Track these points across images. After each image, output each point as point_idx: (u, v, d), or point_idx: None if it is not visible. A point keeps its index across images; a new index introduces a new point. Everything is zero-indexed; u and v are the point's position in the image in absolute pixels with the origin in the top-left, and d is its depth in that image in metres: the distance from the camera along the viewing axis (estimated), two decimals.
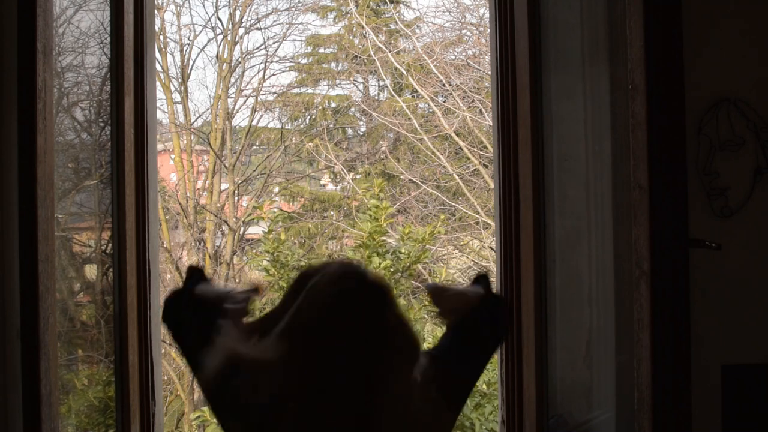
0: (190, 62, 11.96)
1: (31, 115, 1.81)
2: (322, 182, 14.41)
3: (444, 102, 10.51)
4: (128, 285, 2.33)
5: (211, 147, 11.88)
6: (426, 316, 5.92)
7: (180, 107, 11.93)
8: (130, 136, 2.36)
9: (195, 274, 1.56)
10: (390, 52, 10.89)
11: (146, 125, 2.44)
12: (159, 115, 11.38)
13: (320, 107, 13.44)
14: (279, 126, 13.55)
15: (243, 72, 12.39)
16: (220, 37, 12.08)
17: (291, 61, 13.53)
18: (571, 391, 2.27)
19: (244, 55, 12.33)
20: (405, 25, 11.76)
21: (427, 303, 5.96)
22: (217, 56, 12.03)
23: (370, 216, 6.00)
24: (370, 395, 1.24)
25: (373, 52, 11.11)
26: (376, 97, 13.30)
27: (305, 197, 13.29)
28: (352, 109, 13.51)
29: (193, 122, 12.29)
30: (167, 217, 11.52)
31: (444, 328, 1.57)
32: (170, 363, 10.55)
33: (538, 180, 2.17)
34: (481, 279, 1.58)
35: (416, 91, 10.83)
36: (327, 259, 1.51)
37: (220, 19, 15.14)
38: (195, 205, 11.69)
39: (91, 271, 2.62)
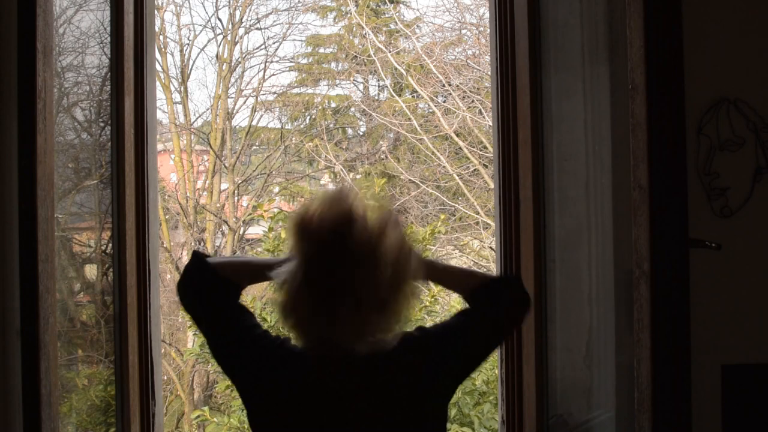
0: (190, 62, 11.97)
1: (31, 115, 1.81)
2: (322, 182, 14.41)
3: (444, 102, 10.51)
4: (128, 285, 2.33)
5: (211, 147, 11.88)
6: (426, 316, 5.92)
7: (180, 107, 11.95)
8: (130, 136, 2.35)
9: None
10: (390, 52, 10.89)
11: (146, 125, 2.44)
12: (159, 115, 11.39)
13: (320, 107, 13.44)
14: (279, 126, 13.56)
15: (243, 72, 12.40)
16: (220, 37, 12.09)
17: (291, 61, 13.54)
18: (571, 391, 2.27)
19: (244, 55, 12.34)
20: (405, 25, 11.76)
21: (431, 293, 5.95)
22: (217, 56, 12.04)
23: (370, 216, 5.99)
24: None
25: (373, 52, 11.11)
26: (376, 97, 13.31)
27: (305, 197, 13.28)
28: (352, 109, 13.51)
29: (193, 122, 12.30)
30: (167, 217, 11.52)
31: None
32: (170, 363, 10.55)
33: (538, 180, 2.17)
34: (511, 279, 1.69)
35: (416, 91, 10.83)
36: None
37: (220, 19, 15.16)
38: (195, 205, 11.69)
39: (91, 271, 2.62)
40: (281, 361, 1.44)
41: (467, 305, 1.56)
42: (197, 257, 1.54)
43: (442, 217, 7.00)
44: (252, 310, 5.70)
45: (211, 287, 1.52)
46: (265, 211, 6.22)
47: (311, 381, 1.42)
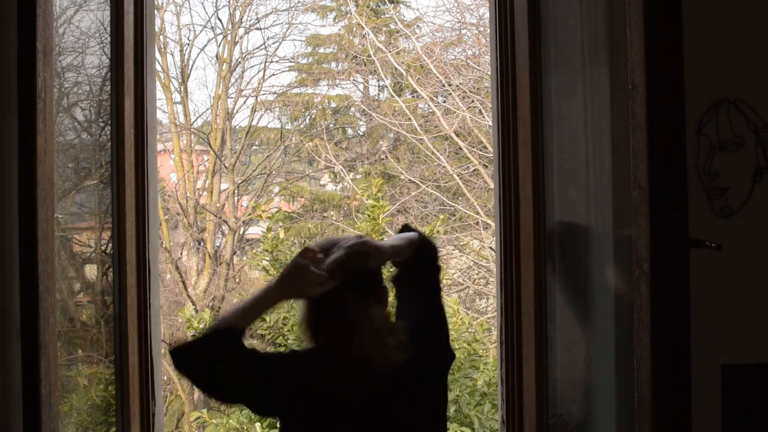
0: (190, 62, 11.98)
1: (31, 115, 1.81)
2: (322, 182, 14.42)
3: (444, 102, 10.51)
4: (128, 285, 2.33)
5: (211, 147, 11.89)
6: None
7: (180, 107, 11.95)
8: (130, 136, 2.35)
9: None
10: (390, 52, 10.89)
11: (146, 125, 2.44)
12: (159, 115, 11.39)
13: (320, 107, 13.44)
14: (279, 126, 13.56)
15: (243, 72, 12.40)
16: (220, 37, 12.10)
17: (291, 61, 13.54)
18: (571, 391, 2.27)
19: (244, 55, 12.35)
20: (405, 25, 11.75)
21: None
22: (217, 56, 12.04)
23: (368, 216, 6.01)
24: None
25: (373, 52, 11.10)
26: (376, 97, 13.30)
27: (305, 197, 13.29)
28: (352, 109, 13.51)
29: (193, 122, 12.30)
30: (167, 217, 11.52)
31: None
32: (170, 363, 10.54)
33: (538, 180, 2.17)
34: (405, 228, 1.83)
35: (416, 91, 10.82)
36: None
37: (220, 19, 15.16)
38: (195, 205, 11.69)
39: (91, 271, 2.62)
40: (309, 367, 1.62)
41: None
42: (180, 348, 1.67)
43: (442, 217, 7.00)
44: None
45: (217, 345, 1.60)
46: (263, 211, 6.22)
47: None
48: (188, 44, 11.96)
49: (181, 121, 11.96)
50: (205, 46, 16.99)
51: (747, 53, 1.88)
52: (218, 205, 12.01)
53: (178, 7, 12.30)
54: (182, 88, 11.86)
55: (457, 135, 9.77)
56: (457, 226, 10.05)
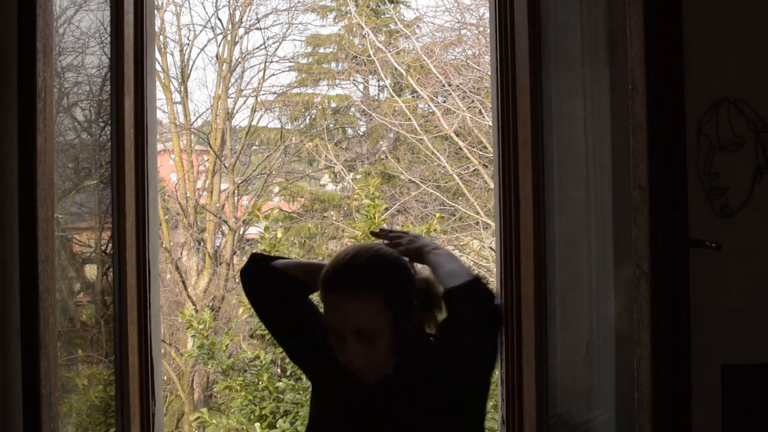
0: (190, 62, 12.00)
1: (31, 115, 1.81)
2: (322, 182, 14.43)
3: (444, 102, 10.51)
4: (128, 285, 2.32)
5: (211, 147, 11.90)
6: None
7: (180, 107, 11.97)
8: (130, 136, 2.35)
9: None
10: (390, 52, 10.89)
11: (146, 125, 2.44)
12: (159, 115, 11.39)
13: (320, 107, 13.45)
14: (279, 126, 13.57)
15: (243, 72, 12.42)
16: (220, 37, 12.11)
17: (291, 61, 13.55)
18: (571, 391, 2.27)
19: (244, 55, 12.36)
20: (405, 25, 11.76)
21: None
22: (217, 56, 12.06)
23: (365, 215, 6.02)
24: None
25: (373, 52, 11.11)
26: (376, 97, 13.31)
27: (305, 197, 13.30)
28: (352, 109, 13.52)
29: (193, 122, 12.32)
30: (167, 217, 11.53)
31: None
32: (170, 363, 10.55)
33: (538, 180, 2.17)
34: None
35: (416, 91, 10.82)
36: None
37: (220, 19, 15.19)
38: (195, 205, 11.70)
39: (91, 271, 2.62)
40: None
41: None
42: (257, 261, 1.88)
43: (438, 215, 7.00)
44: (251, 309, 5.70)
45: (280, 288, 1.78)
46: (258, 210, 6.22)
47: None
48: (188, 44, 11.97)
49: (181, 121, 11.97)
50: (205, 46, 17.06)
51: (747, 53, 1.88)
52: (218, 205, 12.02)
53: (178, 7, 12.35)
54: (182, 88, 11.87)
55: (457, 135, 9.77)
56: (457, 226, 10.06)
